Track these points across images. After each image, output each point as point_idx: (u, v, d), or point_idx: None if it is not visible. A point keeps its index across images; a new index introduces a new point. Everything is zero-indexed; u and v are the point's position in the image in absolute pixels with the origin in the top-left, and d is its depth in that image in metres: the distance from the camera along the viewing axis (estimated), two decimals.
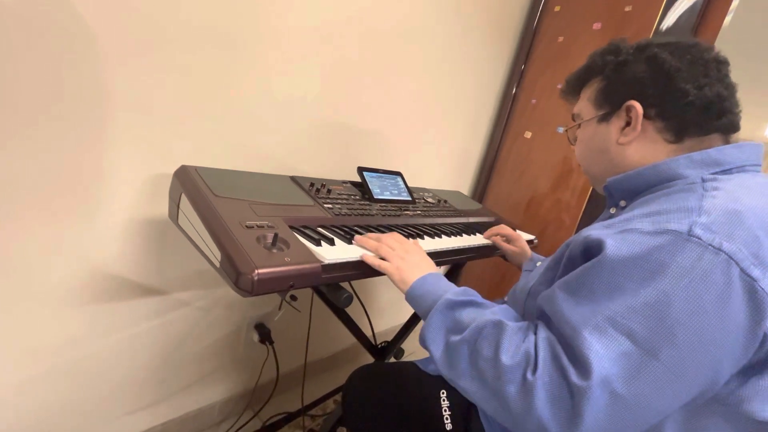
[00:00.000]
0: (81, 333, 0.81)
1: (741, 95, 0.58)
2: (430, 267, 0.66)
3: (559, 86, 0.72)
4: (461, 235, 0.98)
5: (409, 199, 1.05)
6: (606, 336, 0.41)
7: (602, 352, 0.40)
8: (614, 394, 0.40)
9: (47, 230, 0.71)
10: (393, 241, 0.70)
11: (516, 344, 0.47)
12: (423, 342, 0.56)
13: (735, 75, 0.57)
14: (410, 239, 0.75)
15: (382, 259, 0.66)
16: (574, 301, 0.45)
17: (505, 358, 0.45)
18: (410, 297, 0.61)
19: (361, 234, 0.73)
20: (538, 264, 0.72)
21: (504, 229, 1.04)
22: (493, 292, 1.73)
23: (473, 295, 0.59)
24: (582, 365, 0.41)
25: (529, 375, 0.43)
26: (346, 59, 1.05)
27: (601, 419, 0.40)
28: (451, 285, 0.61)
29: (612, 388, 0.40)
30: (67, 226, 0.73)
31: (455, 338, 0.52)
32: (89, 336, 0.83)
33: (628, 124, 0.58)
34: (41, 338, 0.76)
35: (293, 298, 0.68)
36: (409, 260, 0.66)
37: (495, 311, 0.54)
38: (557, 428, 0.41)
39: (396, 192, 1.03)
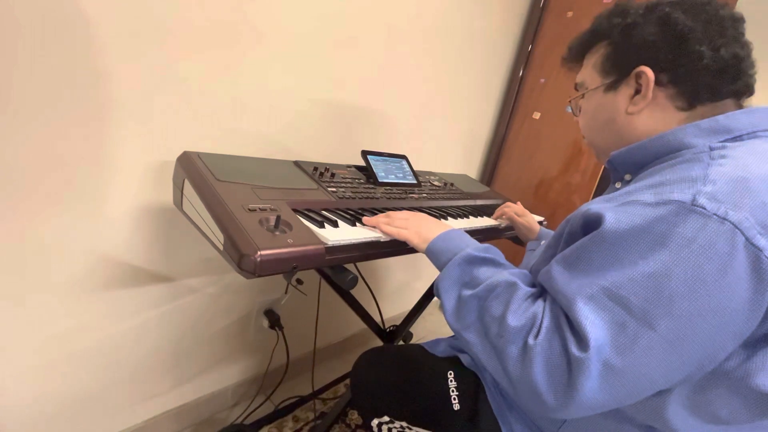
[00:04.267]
0: (93, 321, 0.83)
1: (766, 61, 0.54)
2: (448, 227, 0.66)
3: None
4: (468, 218, 0.97)
5: (415, 182, 1.04)
6: (601, 305, 0.40)
7: (597, 321, 0.40)
8: (608, 365, 0.39)
9: (56, 220, 0.72)
10: (404, 213, 0.70)
11: (525, 307, 0.46)
12: (436, 291, 0.56)
13: (761, 40, 0.54)
14: None
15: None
16: (570, 273, 0.44)
17: (512, 318, 0.45)
18: (430, 251, 0.61)
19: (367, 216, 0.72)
20: (542, 243, 0.71)
21: (513, 206, 1.03)
22: None
23: (495, 254, 0.58)
24: (579, 336, 0.40)
25: (530, 339, 0.43)
26: (350, 43, 1.04)
27: (595, 390, 0.39)
28: (474, 241, 0.60)
29: (605, 358, 0.39)
30: (75, 215, 0.74)
31: (468, 292, 0.52)
32: (102, 324, 0.84)
33: (637, 92, 0.54)
34: (54, 327, 0.78)
35: (299, 281, 0.68)
36: (425, 225, 0.66)
37: (513, 272, 0.53)
38: (551, 397, 0.41)
39: (401, 175, 1.02)
